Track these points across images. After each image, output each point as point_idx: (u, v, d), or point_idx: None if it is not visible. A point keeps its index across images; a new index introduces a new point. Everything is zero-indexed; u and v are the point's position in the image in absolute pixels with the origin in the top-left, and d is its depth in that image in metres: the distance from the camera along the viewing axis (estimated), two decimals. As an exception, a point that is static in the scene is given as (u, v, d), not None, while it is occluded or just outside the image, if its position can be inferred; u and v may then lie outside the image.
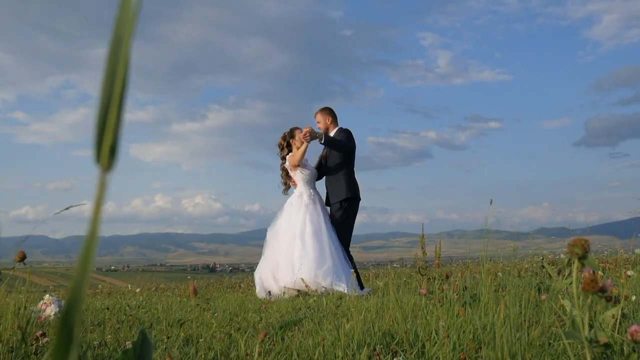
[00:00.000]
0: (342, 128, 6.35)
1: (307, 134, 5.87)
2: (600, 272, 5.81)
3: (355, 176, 6.30)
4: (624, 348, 1.58)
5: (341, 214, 6.16)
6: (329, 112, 6.43)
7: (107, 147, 0.41)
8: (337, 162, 6.22)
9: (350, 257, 6.15)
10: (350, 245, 6.22)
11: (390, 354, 2.19)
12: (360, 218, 7.00)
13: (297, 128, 6.43)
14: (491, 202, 2.57)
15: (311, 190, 6.31)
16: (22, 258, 2.10)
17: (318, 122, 6.48)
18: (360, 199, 6.26)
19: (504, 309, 1.73)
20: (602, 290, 0.91)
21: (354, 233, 6.30)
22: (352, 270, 5.92)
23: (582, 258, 0.88)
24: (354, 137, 6.32)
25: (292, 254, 5.97)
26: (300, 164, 6.27)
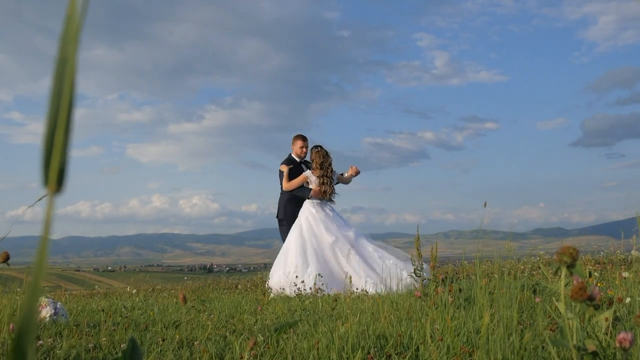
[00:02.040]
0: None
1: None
2: (596, 274, 5.82)
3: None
4: (617, 353, 1.58)
5: None
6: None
7: (54, 170, 0.40)
8: None
9: None
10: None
11: (384, 357, 2.19)
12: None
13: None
14: (485, 205, 2.58)
15: None
16: (6, 259, 2.08)
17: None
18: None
19: (494, 313, 1.73)
20: (591, 298, 0.91)
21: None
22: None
23: (571, 266, 0.88)
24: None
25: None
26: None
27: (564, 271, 0.89)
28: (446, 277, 4.64)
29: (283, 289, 6.45)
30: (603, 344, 1.55)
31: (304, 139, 7.59)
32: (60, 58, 0.41)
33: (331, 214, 7.18)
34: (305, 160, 7.59)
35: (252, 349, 1.24)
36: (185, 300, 1.34)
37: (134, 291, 9.70)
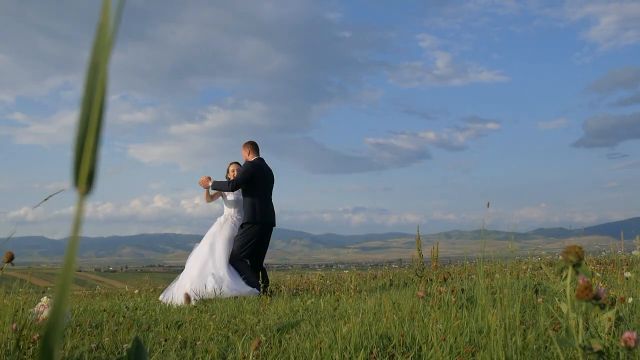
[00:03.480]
0: (247, 162, 7.35)
1: (201, 183, 7.21)
2: (598, 274, 5.81)
3: (262, 201, 7.24)
4: (620, 353, 1.58)
5: (241, 233, 7.18)
6: (249, 146, 7.47)
7: (85, 172, 0.42)
8: (244, 190, 7.29)
9: (251, 268, 7.14)
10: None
11: (387, 357, 2.19)
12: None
13: (233, 163, 7.60)
14: (488, 205, 2.58)
15: (232, 211, 7.44)
16: (10, 259, 2.08)
17: (242, 155, 7.51)
18: (260, 223, 7.20)
19: (496, 312, 1.73)
20: (596, 297, 0.91)
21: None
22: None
23: (577, 265, 0.88)
24: (260, 167, 7.27)
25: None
26: (216, 195, 7.51)
27: (570, 270, 0.89)
28: (448, 277, 4.65)
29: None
30: (606, 344, 1.55)
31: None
32: (92, 63, 0.42)
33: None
34: None
35: (256, 348, 1.24)
36: (188, 299, 1.34)
37: (136, 291, 9.70)
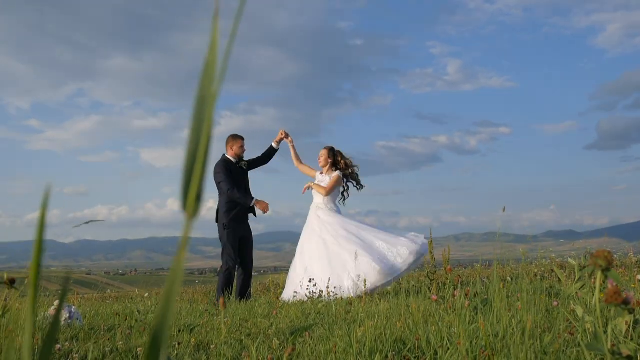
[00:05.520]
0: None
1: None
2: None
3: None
4: (639, 355, 1.57)
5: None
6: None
7: (192, 196, 0.47)
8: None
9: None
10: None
11: (403, 361, 2.18)
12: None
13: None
14: (504, 210, 2.56)
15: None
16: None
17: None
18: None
19: (512, 316, 1.72)
20: (625, 302, 0.90)
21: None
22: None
23: (606, 270, 0.87)
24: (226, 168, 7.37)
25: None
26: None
27: (599, 276, 0.88)
28: (461, 281, 4.63)
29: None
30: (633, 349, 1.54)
31: (243, 138, 7.51)
32: (199, 97, 0.49)
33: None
34: (239, 160, 7.45)
35: (290, 354, 1.23)
36: (225, 305, 1.34)
37: (146, 295, 9.73)
